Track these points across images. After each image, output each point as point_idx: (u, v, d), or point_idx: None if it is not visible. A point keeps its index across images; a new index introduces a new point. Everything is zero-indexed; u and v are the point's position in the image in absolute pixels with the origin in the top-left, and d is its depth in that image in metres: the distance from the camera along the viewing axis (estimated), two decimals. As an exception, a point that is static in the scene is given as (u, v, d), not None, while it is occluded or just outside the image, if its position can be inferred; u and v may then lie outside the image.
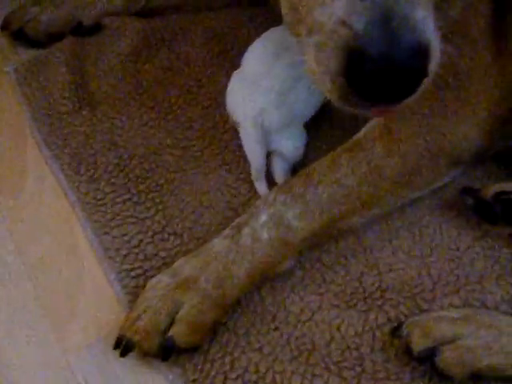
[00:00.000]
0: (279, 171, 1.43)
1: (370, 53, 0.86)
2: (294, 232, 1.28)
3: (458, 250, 1.32)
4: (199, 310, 1.23)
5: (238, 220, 1.32)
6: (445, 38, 1.29)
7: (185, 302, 1.23)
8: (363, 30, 0.86)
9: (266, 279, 1.30)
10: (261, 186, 1.43)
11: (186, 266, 1.27)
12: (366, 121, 1.36)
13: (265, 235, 1.27)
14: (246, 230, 1.28)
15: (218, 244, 1.28)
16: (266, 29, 1.55)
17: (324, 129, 1.52)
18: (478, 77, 1.31)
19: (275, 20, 1.45)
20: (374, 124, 1.35)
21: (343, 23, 0.88)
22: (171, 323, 1.23)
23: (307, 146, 1.48)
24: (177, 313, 1.23)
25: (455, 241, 1.34)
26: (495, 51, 1.31)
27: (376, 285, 1.29)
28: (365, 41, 0.86)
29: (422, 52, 0.91)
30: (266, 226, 1.27)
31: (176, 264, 1.30)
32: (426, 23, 0.93)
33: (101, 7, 1.82)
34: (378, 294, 1.27)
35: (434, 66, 0.98)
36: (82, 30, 1.78)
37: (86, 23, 1.79)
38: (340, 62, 0.89)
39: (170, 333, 1.21)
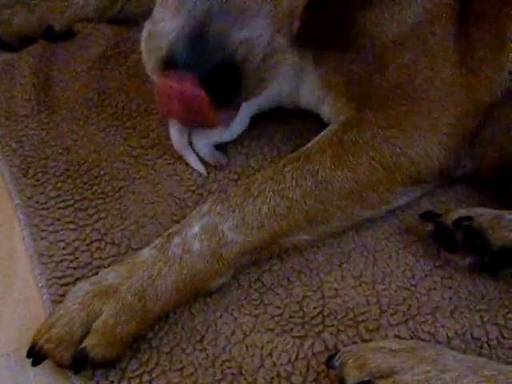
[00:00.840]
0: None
1: (176, 63, 1.05)
2: (228, 245, 1.18)
3: (413, 278, 1.22)
4: (117, 320, 1.12)
5: (169, 230, 1.23)
6: (401, 46, 1.23)
7: (103, 311, 1.13)
8: (174, 42, 1.05)
9: (197, 295, 1.20)
10: (190, 159, 1.41)
11: (109, 274, 1.18)
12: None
13: (196, 247, 1.17)
14: (176, 240, 1.18)
15: (146, 253, 1.19)
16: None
17: (272, 139, 1.47)
18: (439, 90, 1.25)
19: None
20: (324, 134, 1.28)
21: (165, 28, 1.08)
22: (87, 333, 1.12)
23: (251, 155, 1.43)
24: (93, 323, 1.13)
25: (412, 268, 1.23)
26: (459, 65, 1.25)
27: (318, 310, 1.18)
28: (173, 53, 1.05)
29: (227, 70, 1.06)
30: (197, 237, 1.18)
31: (101, 272, 1.22)
32: (244, 44, 1.06)
33: (73, 13, 1.80)
34: (319, 319, 1.16)
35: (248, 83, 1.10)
36: (54, 35, 1.76)
37: (58, 28, 1.78)
38: (156, 58, 1.11)
39: (84, 344, 1.11)
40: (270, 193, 1.21)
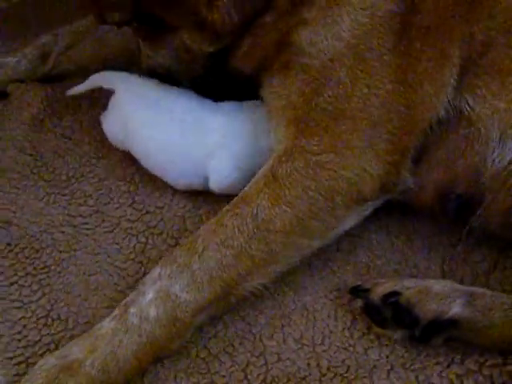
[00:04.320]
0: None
1: None
2: (182, 306, 1.19)
3: (351, 337, 1.24)
4: None
5: (126, 299, 1.23)
6: (338, 63, 1.24)
7: None
8: None
9: (157, 359, 1.21)
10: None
11: (74, 348, 1.19)
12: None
13: (152, 313, 1.18)
14: (132, 309, 1.19)
15: (106, 325, 1.20)
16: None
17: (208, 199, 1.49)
18: (375, 107, 1.24)
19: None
20: (260, 173, 1.27)
21: None
22: None
23: (187, 217, 1.45)
24: None
25: (349, 327, 1.25)
26: (398, 81, 1.24)
27: (261, 377, 1.20)
28: None
29: None
30: (153, 304, 1.19)
31: (65, 346, 1.22)
32: None
33: (5, 74, 1.77)
34: (263, 387, 1.19)
35: None
36: (-13, 98, 1.74)
37: (-10, 91, 1.76)
38: None
39: None
40: (215, 246, 1.21)
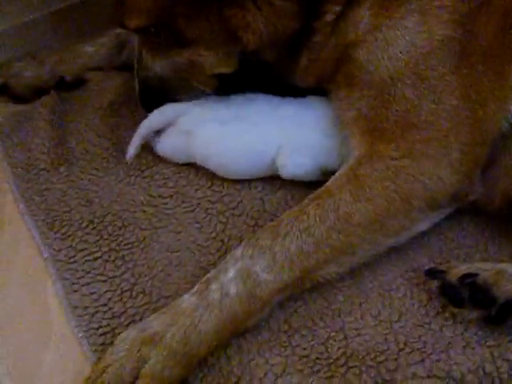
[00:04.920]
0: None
1: None
2: (262, 286, 1.26)
3: (427, 315, 1.30)
4: (164, 365, 1.21)
5: (206, 276, 1.30)
6: (399, 81, 1.30)
7: (150, 357, 1.22)
8: None
9: (235, 335, 1.28)
10: (134, 139, 1.55)
11: (154, 322, 1.26)
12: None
13: (233, 290, 1.25)
14: (214, 286, 1.26)
15: (187, 300, 1.27)
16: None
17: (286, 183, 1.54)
18: (446, 120, 1.30)
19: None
20: (342, 171, 1.34)
21: None
22: (136, 377, 1.21)
23: (267, 200, 1.51)
24: (142, 368, 1.21)
25: (425, 305, 1.31)
26: (463, 98, 1.30)
27: (341, 351, 1.27)
28: None
29: None
30: (233, 281, 1.26)
31: (145, 320, 1.29)
32: None
33: (83, 63, 1.84)
34: (343, 360, 1.25)
35: None
36: (65, 85, 1.81)
37: (69, 78, 1.82)
38: None
39: None
40: (297, 232, 1.28)
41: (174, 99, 1.57)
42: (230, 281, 1.26)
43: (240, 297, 1.25)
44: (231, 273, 1.27)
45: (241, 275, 1.26)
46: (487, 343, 1.25)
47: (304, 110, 1.54)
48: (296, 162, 1.48)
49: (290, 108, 1.54)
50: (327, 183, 1.35)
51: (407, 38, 1.30)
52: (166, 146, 1.58)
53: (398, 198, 1.29)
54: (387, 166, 1.30)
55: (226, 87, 1.53)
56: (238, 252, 1.30)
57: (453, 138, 1.30)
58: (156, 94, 1.58)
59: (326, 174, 1.42)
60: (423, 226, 1.37)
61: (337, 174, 1.36)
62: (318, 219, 1.29)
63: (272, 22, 1.34)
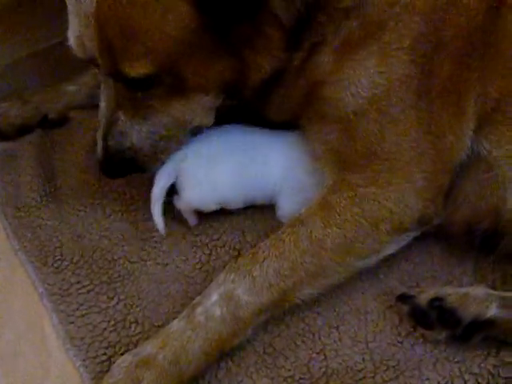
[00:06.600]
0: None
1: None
2: (244, 307, 1.36)
3: (399, 335, 1.41)
4: None
5: (193, 302, 1.40)
6: (363, 117, 1.40)
7: (145, 377, 1.31)
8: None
9: (221, 354, 1.37)
10: (155, 212, 1.56)
11: (147, 346, 1.36)
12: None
13: (217, 312, 1.35)
14: (199, 310, 1.36)
15: (176, 325, 1.37)
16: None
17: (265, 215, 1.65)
18: (408, 151, 1.40)
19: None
20: (315, 200, 1.45)
21: None
22: None
23: (247, 232, 1.62)
24: None
25: (397, 326, 1.42)
26: (423, 132, 1.40)
27: (322, 370, 1.37)
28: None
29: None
30: (217, 304, 1.36)
31: (140, 346, 1.39)
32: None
33: (66, 101, 1.91)
34: (324, 379, 1.36)
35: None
36: (49, 123, 1.87)
37: (53, 116, 1.89)
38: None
39: None
40: (273, 257, 1.38)
41: (140, 170, 1.57)
42: (213, 304, 1.36)
43: (224, 318, 1.35)
44: (215, 297, 1.37)
45: (224, 298, 1.37)
46: (455, 359, 1.36)
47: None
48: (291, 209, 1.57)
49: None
50: (301, 211, 1.45)
51: (368, 77, 1.39)
52: (194, 198, 1.61)
53: (366, 223, 1.40)
54: (355, 193, 1.41)
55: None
56: (221, 277, 1.40)
57: (415, 168, 1.40)
58: (123, 165, 1.55)
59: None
60: (391, 249, 1.47)
61: (310, 204, 1.45)
62: (292, 245, 1.39)
63: (272, 63, 1.42)
